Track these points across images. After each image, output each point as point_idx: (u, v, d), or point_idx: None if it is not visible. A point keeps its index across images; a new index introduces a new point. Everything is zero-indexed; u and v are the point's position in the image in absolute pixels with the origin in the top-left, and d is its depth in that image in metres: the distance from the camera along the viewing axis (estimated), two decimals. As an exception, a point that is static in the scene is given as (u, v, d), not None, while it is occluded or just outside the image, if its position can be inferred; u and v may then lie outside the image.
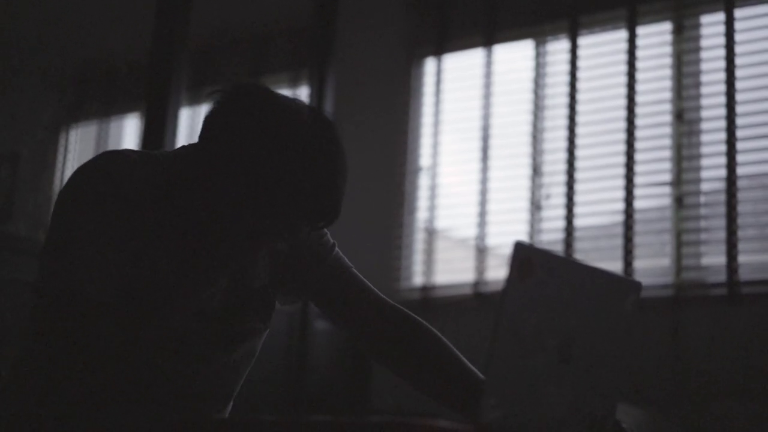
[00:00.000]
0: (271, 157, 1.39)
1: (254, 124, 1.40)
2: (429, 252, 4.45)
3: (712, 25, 4.01)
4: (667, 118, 4.00)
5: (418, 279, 4.44)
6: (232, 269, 1.53)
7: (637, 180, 3.99)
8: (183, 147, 1.58)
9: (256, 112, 1.41)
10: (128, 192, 1.45)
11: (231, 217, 1.42)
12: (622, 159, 4.03)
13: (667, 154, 3.97)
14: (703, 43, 4.02)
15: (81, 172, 1.48)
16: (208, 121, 1.45)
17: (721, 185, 3.80)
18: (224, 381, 1.62)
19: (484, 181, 4.37)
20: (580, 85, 4.23)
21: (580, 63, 4.25)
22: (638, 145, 4.02)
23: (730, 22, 3.89)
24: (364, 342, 1.71)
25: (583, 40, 4.28)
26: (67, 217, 1.45)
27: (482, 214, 4.34)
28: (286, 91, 1.95)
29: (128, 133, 5.87)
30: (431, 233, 4.49)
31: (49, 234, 1.47)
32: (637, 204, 3.98)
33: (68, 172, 5.95)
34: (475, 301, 4.20)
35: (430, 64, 4.70)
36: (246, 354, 1.65)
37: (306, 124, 1.43)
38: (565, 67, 4.28)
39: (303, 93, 4.82)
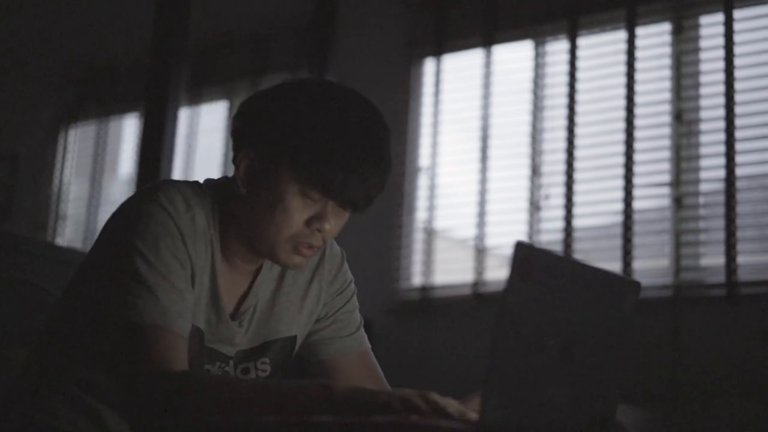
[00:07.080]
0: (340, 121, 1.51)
1: (315, 99, 1.53)
2: (428, 252, 4.45)
3: (711, 25, 4.01)
4: (667, 118, 4.00)
5: (417, 279, 4.44)
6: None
7: (637, 180, 3.99)
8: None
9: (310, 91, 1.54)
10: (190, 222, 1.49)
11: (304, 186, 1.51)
12: (621, 159, 4.03)
13: (667, 154, 3.97)
14: (703, 43, 4.02)
15: (149, 197, 1.47)
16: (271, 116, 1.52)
17: (721, 186, 3.80)
18: None
19: (483, 181, 4.37)
20: (580, 86, 4.24)
21: (580, 63, 4.25)
22: (637, 145, 4.02)
23: (729, 23, 3.89)
24: None
25: (583, 41, 4.28)
26: (137, 243, 1.42)
27: (481, 214, 4.34)
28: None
29: (127, 133, 5.87)
30: (430, 233, 4.49)
31: (110, 255, 1.44)
32: (637, 204, 3.98)
33: (67, 172, 5.95)
34: (475, 301, 4.20)
35: (429, 65, 4.70)
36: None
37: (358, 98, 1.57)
38: (565, 68, 4.28)
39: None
